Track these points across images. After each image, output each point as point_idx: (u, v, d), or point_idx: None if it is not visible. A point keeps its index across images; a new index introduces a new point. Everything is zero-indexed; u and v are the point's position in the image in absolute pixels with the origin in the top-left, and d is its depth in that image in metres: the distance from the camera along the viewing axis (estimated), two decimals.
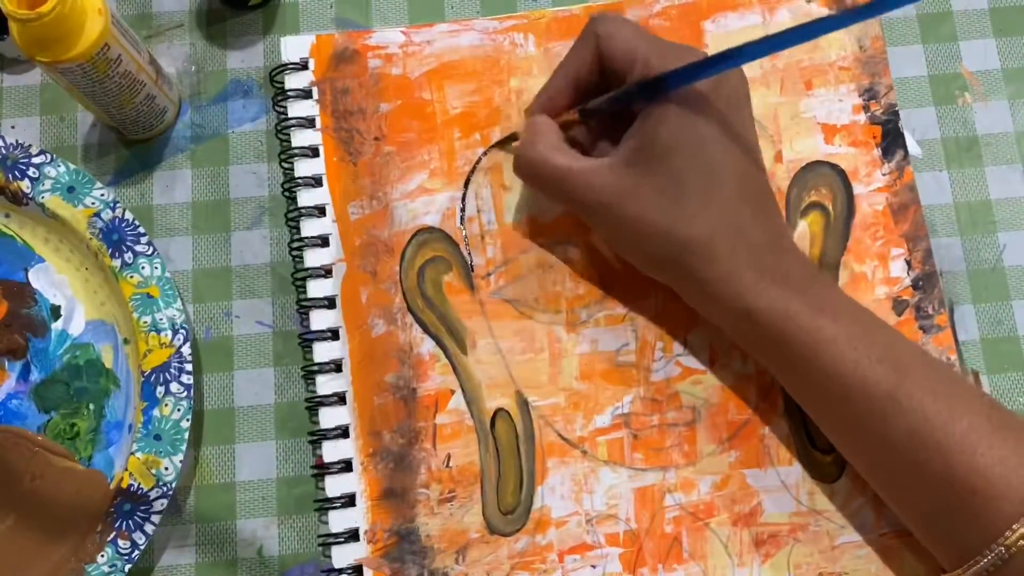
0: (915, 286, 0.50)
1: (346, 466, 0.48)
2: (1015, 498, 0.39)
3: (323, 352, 0.49)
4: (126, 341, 0.51)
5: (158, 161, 0.54)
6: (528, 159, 0.46)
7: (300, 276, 0.50)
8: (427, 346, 0.49)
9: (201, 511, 0.49)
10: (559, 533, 0.47)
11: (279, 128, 0.51)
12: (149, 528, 0.47)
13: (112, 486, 0.48)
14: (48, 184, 0.51)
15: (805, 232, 0.51)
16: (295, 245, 0.50)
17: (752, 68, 0.52)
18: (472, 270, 0.50)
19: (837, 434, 0.45)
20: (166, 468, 0.47)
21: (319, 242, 0.50)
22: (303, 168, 0.51)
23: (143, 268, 0.50)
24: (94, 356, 0.51)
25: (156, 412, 0.48)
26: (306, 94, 0.51)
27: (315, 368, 0.49)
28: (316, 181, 0.50)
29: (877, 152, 0.52)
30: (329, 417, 0.48)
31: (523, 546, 0.47)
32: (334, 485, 0.47)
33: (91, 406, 0.50)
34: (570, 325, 0.49)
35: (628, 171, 0.44)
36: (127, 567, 0.47)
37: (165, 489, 0.47)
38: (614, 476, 0.48)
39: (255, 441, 0.50)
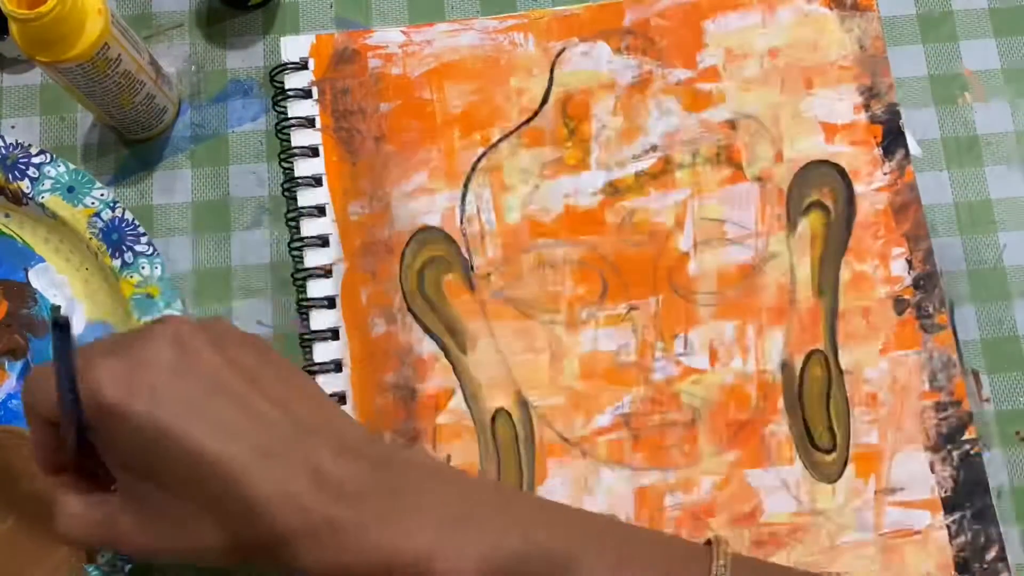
0: (916, 285, 0.50)
1: None
2: None
3: (323, 352, 0.49)
4: None
5: (158, 161, 0.54)
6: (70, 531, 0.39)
7: (300, 276, 0.50)
8: (427, 346, 0.49)
9: None
10: None
11: (279, 128, 0.51)
12: None
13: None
14: (48, 184, 0.51)
15: (806, 232, 0.51)
16: (295, 245, 0.50)
17: (753, 67, 0.52)
18: (472, 270, 0.50)
19: None
20: None
21: (319, 242, 0.50)
22: (303, 168, 0.51)
23: (143, 268, 0.50)
24: None
25: None
26: (306, 94, 0.51)
27: (315, 368, 0.49)
28: (316, 181, 0.50)
29: (878, 151, 0.51)
30: None
31: None
32: None
33: None
34: (570, 325, 0.49)
35: (128, 507, 0.37)
36: (127, 567, 0.47)
37: None
38: (614, 476, 0.48)
39: None
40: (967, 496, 0.48)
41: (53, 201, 0.51)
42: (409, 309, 0.49)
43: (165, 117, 0.53)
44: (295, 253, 0.50)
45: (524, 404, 0.48)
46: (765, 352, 0.49)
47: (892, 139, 0.51)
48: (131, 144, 0.54)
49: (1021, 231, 0.53)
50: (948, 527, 0.48)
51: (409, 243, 0.50)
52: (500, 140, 0.51)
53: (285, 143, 0.51)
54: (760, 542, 0.47)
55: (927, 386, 0.49)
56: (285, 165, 0.51)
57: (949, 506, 0.48)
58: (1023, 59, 0.55)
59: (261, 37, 0.55)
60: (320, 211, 0.50)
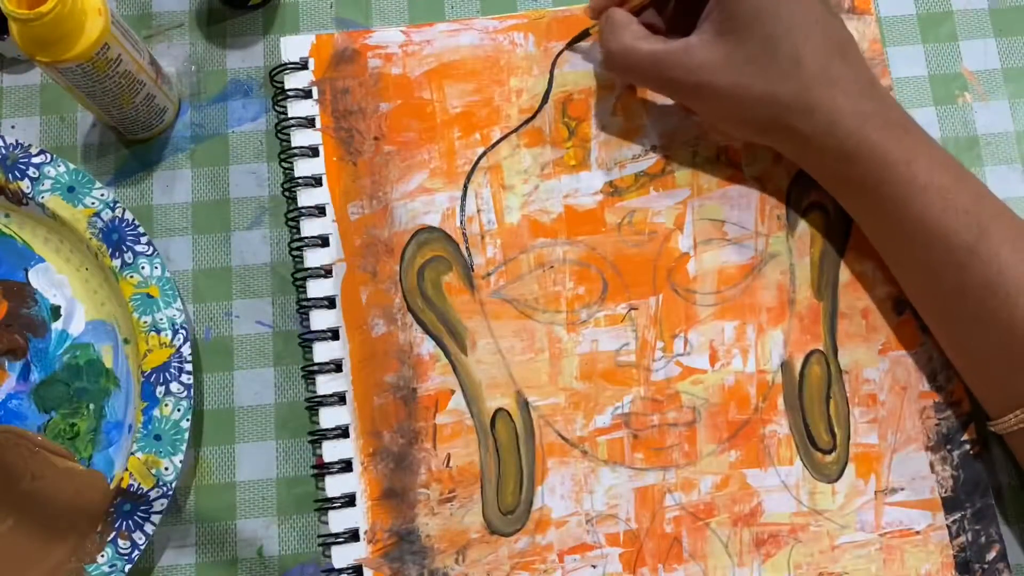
0: None
1: (346, 466, 0.48)
2: None
3: (323, 352, 0.49)
4: (126, 341, 0.51)
5: (158, 161, 0.54)
6: (618, 51, 0.48)
7: (300, 276, 0.50)
8: (427, 346, 0.49)
9: (201, 511, 0.49)
10: (559, 533, 0.47)
11: (279, 128, 0.51)
12: (149, 528, 0.47)
13: (112, 486, 0.48)
14: (48, 184, 0.51)
15: (806, 232, 0.51)
16: (295, 245, 0.50)
17: None
18: (472, 270, 0.50)
19: (911, 280, 0.47)
20: (166, 468, 0.47)
21: (319, 242, 0.50)
22: (303, 168, 0.51)
23: (143, 268, 0.50)
24: (94, 356, 0.51)
25: (156, 412, 0.48)
26: (306, 94, 0.51)
27: (315, 368, 0.49)
28: (316, 181, 0.50)
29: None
30: (329, 417, 0.48)
31: (523, 546, 0.47)
32: (334, 485, 0.47)
33: (91, 406, 0.50)
34: (570, 325, 0.49)
35: (717, 44, 0.45)
36: (127, 567, 0.47)
37: (165, 489, 0.47)
38: (614, 476, 0.48)
39: (255, 441, 0.50)
40: (967, 496, 0.48)
41: (53, 201, 0.51)
42: (409, 309, 0.49)
43: (165, 117, 0.53)
44: (295, 253, 0.50)
45: (524, 404, 0.48)
46: (765, 352, 0.49)
47: None
48: (131, 144, 0.54)
49: None
50: (948, 527, 0.48)
51: (409, 243, 0.50)
52: (500, 140, 0.51)
53: (285, 143, 0.51)
54: (760, 542, 0.47)
55: (927, 386, 0.49)
56: (285, 165, 0.51)
57: (949, 506, 0.48)
58: (1023, 59, 0.55)
59: (261, 37, 0.55)
60: (320, 211, 0.50)
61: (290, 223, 0.51)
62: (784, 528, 0.47)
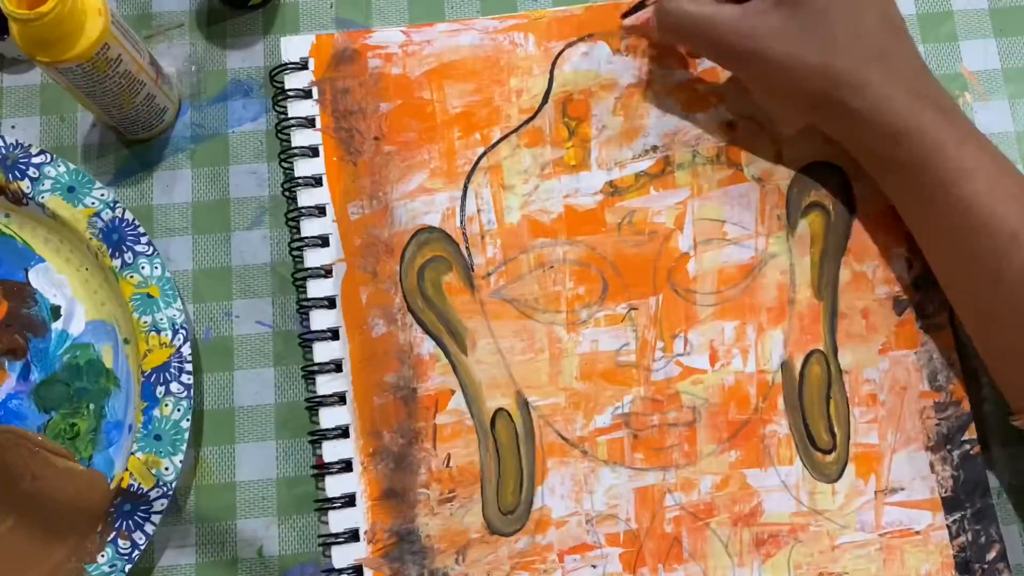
0: (915, 285, 0.50)
1: (346, 466, 0.48)
2: None
3: (323, 352, 0.49)
4: (126, 341, 0.51)
5: (158, 161, 0.54)
6: (673, 11, 0.47)
7: (300, 276, 0.50)
8: (427, 346, 0.49)
9: (201, 511, 0.49)
10: (559, 533, 0.47)
11: (279, 128, 0.51)
12: (149, 528, 0.47)
13: (112, 486, 0.48)
14: (48, 184, 0.51)
15: (806, 232, 0.51)
16: (295, 245, 0.50)
17: None
18: (472, 270, 0.50)
19: (948, 266, 0.47)
20: (166, 468, 0.47)
21: (319, 242, 0.50)
22: (303, 168, 0.51)
23: (143, 268, 0.50)
24: (94, 356, 0.51)
25: (156, 412, 0.48)
26: (306, 94, 0.51)
27: (315, 368, 0.49)
28: (316, 181, 0.50)
29: None
30: (329, 417, 0.48)
31: (523, 546, 0.47)
32: (334, 485, 0.47)
33: (91, 406, 0.50)
34: (570, 325, 0.49)
35: (774, 11, 0.45)
36: (127, 567, 0.47)
37: (165, 489, 0.47)
38: (614, 476, 0.48)
39: (255, 441, 0.50)
40: (967, 496, 0.48)
41: (53, 201, 0.51)
42: (409, 309, 0.49)
43: (165, 117, 0.53)
44: (295, 253, 0.50)
45: (524, 404, 0.48)
46: (765, 352, 0.49)
47: None
48: (131, 144, 0.54)
49: None
50: (948, 527, 0.48)
51: (409, 243, 0.50)
52: (500, 140, 0.51)
53: (285, 143, 0.51)
54: (760, 542, 0.47)
55: (927, 386, 0.49)
56: (285, 165, 0.51)
57: (949, 506, 0.48)
58: (1023, 59, 0.55)
59: (261, 37, 0.55)
60: (320, 211, 0.50)
61: (290, 223, 0.51)
62: (784, 528, 0.47)
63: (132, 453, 0.48)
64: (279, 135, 0.51)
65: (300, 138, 0.51)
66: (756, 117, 0.51)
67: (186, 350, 0.49)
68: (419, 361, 0.49)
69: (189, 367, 0.49)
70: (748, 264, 0.50)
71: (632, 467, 0.48)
